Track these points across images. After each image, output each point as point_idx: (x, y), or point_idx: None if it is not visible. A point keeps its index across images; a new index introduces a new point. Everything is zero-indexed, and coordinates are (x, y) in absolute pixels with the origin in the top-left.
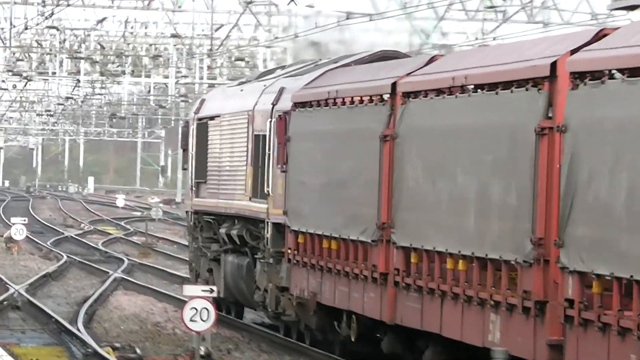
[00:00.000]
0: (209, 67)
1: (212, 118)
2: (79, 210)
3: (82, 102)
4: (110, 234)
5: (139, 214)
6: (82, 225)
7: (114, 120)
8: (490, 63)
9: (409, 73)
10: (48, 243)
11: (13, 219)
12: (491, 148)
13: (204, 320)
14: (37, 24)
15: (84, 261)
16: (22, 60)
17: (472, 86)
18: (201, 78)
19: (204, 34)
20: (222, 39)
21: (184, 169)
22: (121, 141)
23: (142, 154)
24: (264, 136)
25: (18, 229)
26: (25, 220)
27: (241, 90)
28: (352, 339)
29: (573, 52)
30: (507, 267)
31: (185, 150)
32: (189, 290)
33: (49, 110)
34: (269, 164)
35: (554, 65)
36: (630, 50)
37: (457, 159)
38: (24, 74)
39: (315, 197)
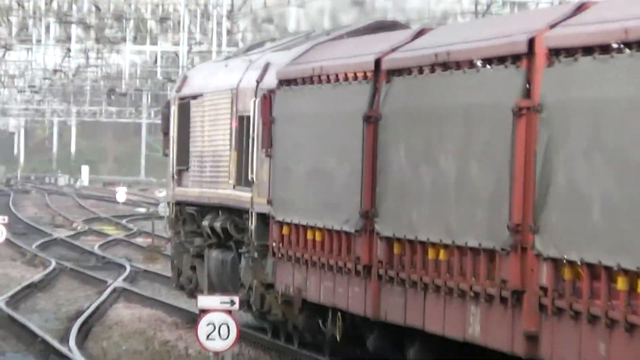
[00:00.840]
0: (229, 32)
1: (194, 97)
2: (70, 206)
3: (74, 75)
4: (108, 235)
5: (143, 210)
6: (75, 224)
7: (112, 97)
8: (473, 38)
9: (395, 48)
10: (33, 246)
11: None
12: (472, 130)
13: (223, 338)
14: None
15: (76, 268)
16: None
17: (455, 63)
18: (219, 45)
19: None
20: None
21: (165, 155)
22: (122, 123)
23: (148, 138)
24: (248, 117)
25: None
26: (4, 219)
27: (226, 65)
28: (337, 339)
29: (552, 27)
30: (486, 255)
31: (166, 134)
32: (205, 301)
33: (33, 86)
34: (253, 148)
35: (531, 41)
36: (601, 26)
37: (439, 143)
38: (2, 42)
39: (300, 184)
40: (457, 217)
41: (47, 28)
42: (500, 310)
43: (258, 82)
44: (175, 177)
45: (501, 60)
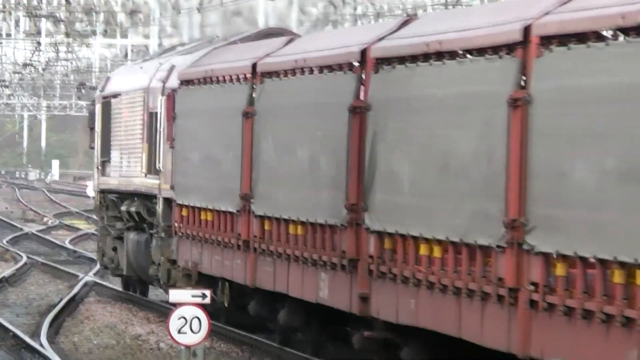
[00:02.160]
0: (200, 25)
1: (114, 96)
2: (41, 201)
3: (44, 69)
4: (79, 229)
5: None
6: (46, 219)
7: (83, 91)
8: (323, 47)
9: (269, 54)
10: (4, 241)
11: None
12: (320, 125)
13: (194, 332)
14: None
15: (47, 262)
16: None
17: (309, 68)
18: (190, 38)
19: None
20: None
21: (91, 148)
22: None
23: None
24: (156, 113)
25: None
26: None
27: (141, 67)
28: (225, 305)
29: (380, 40)
30: (330, 230)
31: (92, 129)
32: (177, 295)
33: (3, 80)
34: (160, 141)
35: (364, 52)
36: (411, 40)
37: (296, 135)
38: None
39: (196, 171)
40: (310, 198)
41: (17, 22)
42: (342, 276)
43: (164, 83)
44: (99, 167)
45: (341, 67)
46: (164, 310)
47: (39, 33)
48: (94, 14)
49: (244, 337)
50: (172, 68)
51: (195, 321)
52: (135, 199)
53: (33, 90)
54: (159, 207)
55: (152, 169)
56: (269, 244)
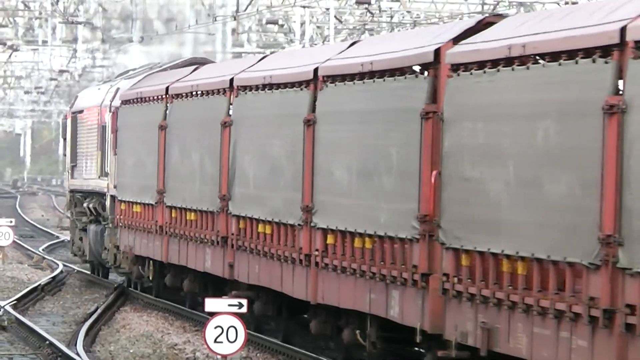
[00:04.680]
0: (235, 32)
1: (80, 112)
2: None
3: (80, 76)
4: None
5: None
6: None
7: None
8: (210, 76)
9: (178, 79)
10: (40, 249)
11: None
12: (204, 135)
13: (231, 342)
14: None
15: (84, 271)
16: (5, 26)
17: (199, 92)
18: (224, 46)
19: None
20: None
21: (64, 155)
22: None
23: None
24: (105, 126)
25: (3, 233)
26: (11, 221)
27: (98, 89)
28: (150, 279)
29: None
30: (210, 215)
31: (64, 139)
32: (213, 305)
33: (40, 87)
34: (108, 149)
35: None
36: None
37: (191, 144)
38: (8, 43)
39: (130, 173)
40: (198, 191)
41: (54, 29)
42: (217, 250)
43: (111, 102)
44: (69, 171)
45: (218, 91)
46: (200, 320)
47: (75, 40)
48: (130, 21)
49: (280, 346)
50: (117, 90)
51: (232, 330)
52: (94, 197)
53: (69, 97)
54: (108, 203)
55: (103, 172)
56: (175, 228)
